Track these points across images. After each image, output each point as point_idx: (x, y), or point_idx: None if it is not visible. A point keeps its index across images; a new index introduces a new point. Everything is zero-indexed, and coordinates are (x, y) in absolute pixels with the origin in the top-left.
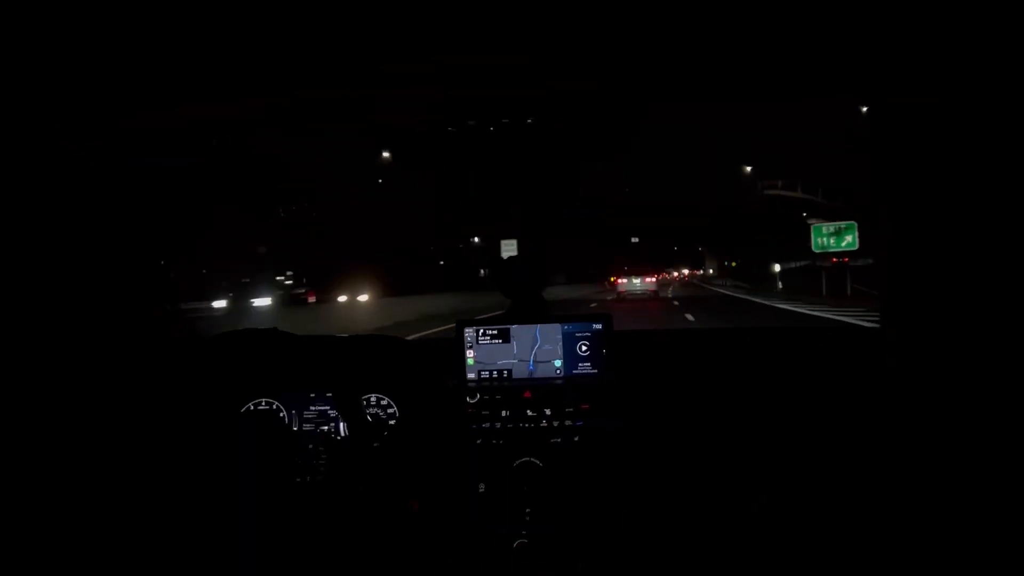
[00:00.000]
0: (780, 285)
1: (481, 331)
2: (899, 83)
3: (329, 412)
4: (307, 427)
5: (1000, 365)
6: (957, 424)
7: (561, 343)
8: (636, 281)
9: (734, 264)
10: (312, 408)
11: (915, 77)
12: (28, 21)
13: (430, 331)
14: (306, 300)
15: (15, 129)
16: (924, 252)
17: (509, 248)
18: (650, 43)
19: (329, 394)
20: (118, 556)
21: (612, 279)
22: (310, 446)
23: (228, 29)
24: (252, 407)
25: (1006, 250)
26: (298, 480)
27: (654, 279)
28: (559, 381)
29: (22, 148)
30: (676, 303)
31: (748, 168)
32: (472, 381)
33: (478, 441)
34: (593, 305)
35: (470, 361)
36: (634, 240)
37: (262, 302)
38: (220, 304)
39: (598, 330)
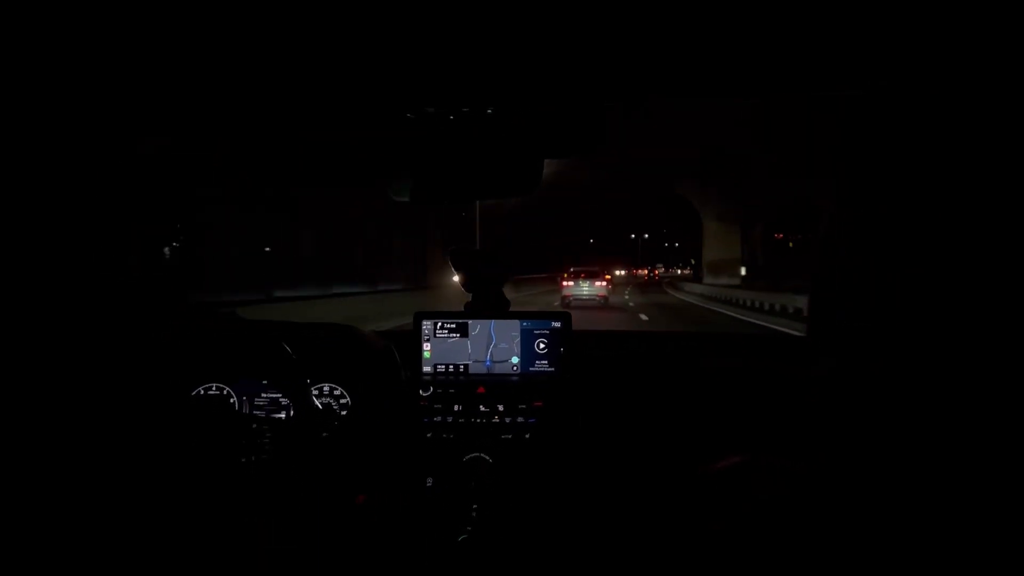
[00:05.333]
0: None
1: (439, 324)
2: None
3: (281, 400)
4: (258, 414)
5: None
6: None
7: (519, 339)
8: (584, 285)
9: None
10: (264, 395)
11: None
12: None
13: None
14: None
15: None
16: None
17: None
18: (641, 37)
19: (279, 381)
20: (65, 535)
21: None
22: (254, 426)
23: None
24: (202, 391)
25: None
26: (243, 460)
27: (605, 283)
28: (515, 378)
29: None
30: None
31: None
32: (427, 374)
33: (428, 435)
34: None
35: (426, 354)
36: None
37: None
38: None
39: (556, 328)
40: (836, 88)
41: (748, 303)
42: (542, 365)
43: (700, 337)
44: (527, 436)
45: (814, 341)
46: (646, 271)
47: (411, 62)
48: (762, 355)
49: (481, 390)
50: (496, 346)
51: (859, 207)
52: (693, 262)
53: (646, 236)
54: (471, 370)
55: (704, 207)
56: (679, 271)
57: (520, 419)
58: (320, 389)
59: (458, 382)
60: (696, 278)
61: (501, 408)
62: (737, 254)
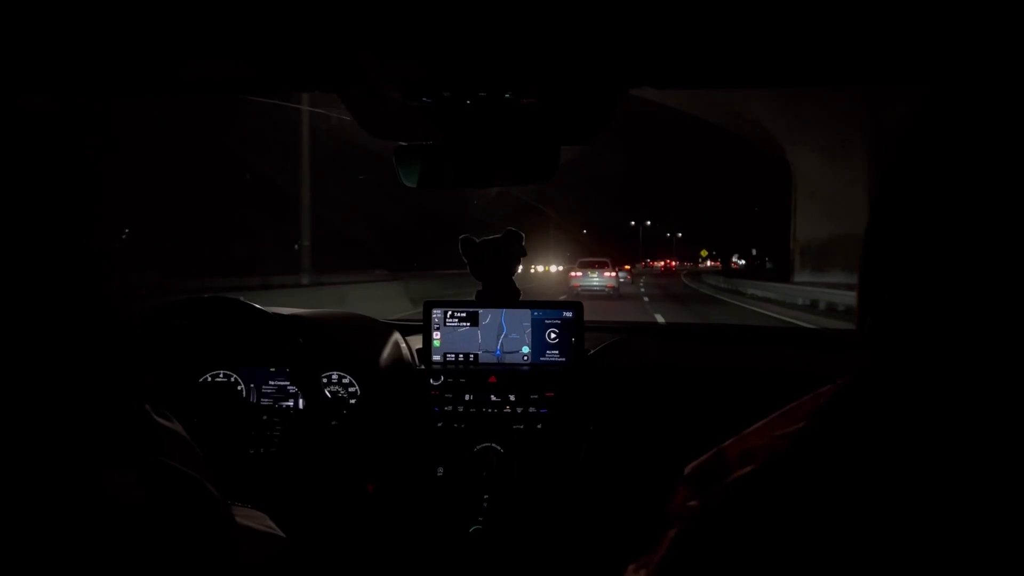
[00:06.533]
0: None
1: (449, 313)
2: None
3: (289, 388)
4: (265, 402)
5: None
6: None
7: (530, 329)
8: (593, 276)
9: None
10: (271, 383)
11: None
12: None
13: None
14: None
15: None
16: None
17: None
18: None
19: (288, 369)
20: (62, 531)
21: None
22: (264, 417)
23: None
24: (209, 379)
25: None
26: (251, 452)
27: (614, 274)
28: (526, 367)
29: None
30: None
31: None
32: (437, 363)
33: (439, 424)
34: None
35: (436, 343)
36: None
37: None
38: None
39: (568, 318)
40: (869, 80)
41: None
42: (553, 355)
43: (721, 329)
44: (539, 426)
45: (863, 338)
46: (663, 263)
47: (429, 44)
48: (794, 351)
49: (492, 380)
50: (507, 336)
51: (904, 197)
52: (705, 253)
53: (648, 223)
54: (481, 359)
55: (795, 132)
56: (709, 263)
57: (532, 409)
58: (329, 377)
59: (468, 371)
60: (727, 271)
61: (512, 398)
62: (859, 226)
